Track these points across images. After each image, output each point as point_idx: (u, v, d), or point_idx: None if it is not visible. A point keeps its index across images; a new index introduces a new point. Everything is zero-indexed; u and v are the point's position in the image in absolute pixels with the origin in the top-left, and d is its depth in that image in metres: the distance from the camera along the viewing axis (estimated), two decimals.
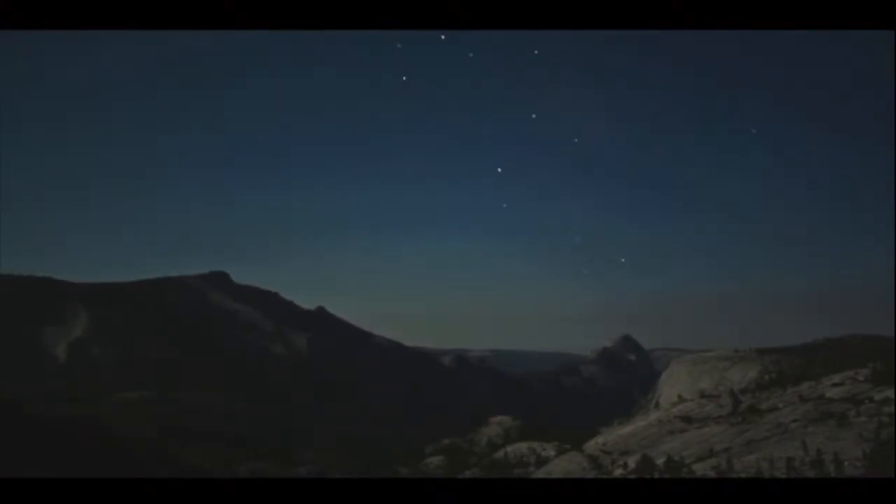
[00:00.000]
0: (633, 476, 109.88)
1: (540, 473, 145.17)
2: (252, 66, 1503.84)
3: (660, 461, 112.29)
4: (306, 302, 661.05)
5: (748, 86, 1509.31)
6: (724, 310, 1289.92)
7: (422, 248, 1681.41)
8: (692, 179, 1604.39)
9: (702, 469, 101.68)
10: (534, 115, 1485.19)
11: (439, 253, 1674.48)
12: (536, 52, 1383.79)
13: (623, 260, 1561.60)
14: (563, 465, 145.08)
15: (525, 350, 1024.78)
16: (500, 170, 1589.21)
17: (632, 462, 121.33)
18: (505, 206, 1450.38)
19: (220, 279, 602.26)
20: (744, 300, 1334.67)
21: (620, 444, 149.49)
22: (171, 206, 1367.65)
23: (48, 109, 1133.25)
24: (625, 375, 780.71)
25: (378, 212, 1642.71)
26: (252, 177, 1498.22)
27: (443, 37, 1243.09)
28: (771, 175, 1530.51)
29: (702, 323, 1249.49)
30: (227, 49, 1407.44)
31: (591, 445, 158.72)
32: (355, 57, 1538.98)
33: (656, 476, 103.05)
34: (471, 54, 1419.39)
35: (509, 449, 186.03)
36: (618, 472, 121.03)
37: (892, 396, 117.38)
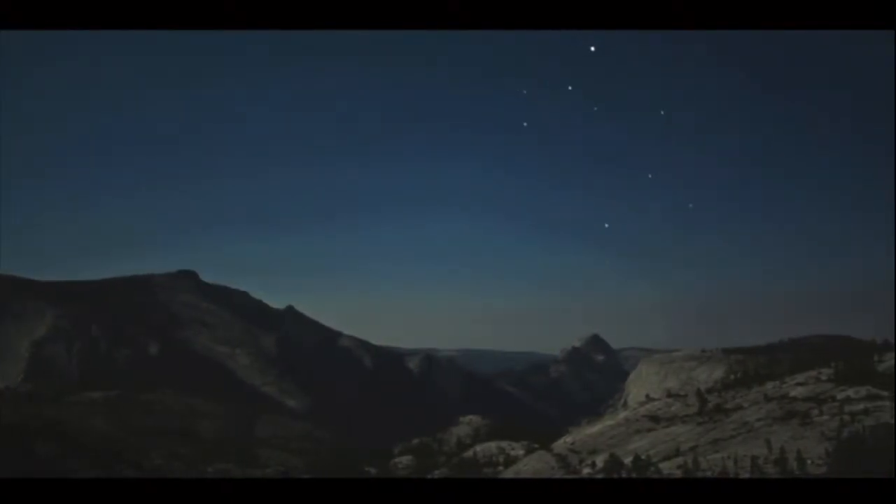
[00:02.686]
0: (600, 475, 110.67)
1: (509, 472, 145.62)
2: (249, 64, 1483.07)
3: (627, 460, 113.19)
4: (276, 301, 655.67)
5: (744, 86, 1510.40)
6: (694, 310, 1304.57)
7: (393, 249, 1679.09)
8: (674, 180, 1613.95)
9: (668, 468, 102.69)
10: (650, 175, 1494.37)
11: (411, 253, 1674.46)
12: (662, 112, 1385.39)
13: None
14: (531, 464, 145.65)
15: (494, 350, 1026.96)
16: (606, 225, 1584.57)
17: (599, 461, 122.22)
18: (607, 262, 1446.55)
19: (188, 278, 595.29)
20: (714, 301, 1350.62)
21: (588, 444, 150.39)
22: (141, 203, 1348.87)
23: (13, 104, 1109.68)
24: (593, 375, 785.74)
25: (352, 213, 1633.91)
26: (226, 174, 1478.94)
27: (570, 87, 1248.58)
28: (752, 177, 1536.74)
29: (671, 323, 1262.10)
30: (224, 46, 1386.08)
31: (560, 445, 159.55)
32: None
33: (623, 475, 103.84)
34: (595, 108, 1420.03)
35: (478, 448, 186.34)
36: (586, 471, 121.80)
37: (854, 396, 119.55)
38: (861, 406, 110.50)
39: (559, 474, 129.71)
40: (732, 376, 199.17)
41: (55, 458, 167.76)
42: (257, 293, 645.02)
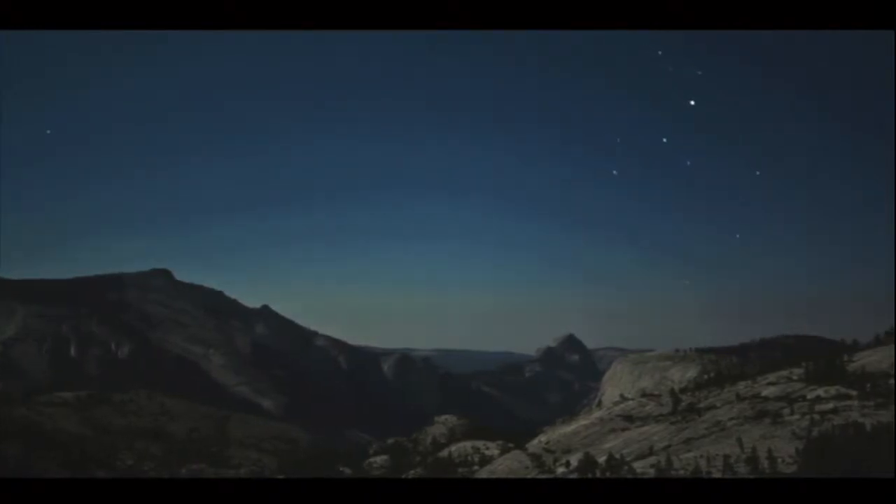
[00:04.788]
0: (574, 474, 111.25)
1: (483, 472, 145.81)
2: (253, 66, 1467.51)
3: (601, 459, 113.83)
4: (251, 300, 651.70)
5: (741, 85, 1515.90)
6: (666, 310, 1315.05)
7: (369, 248, 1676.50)
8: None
9: (642, 467, 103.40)
10: (738, 235, 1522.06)
11: (386, 253, 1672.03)
12: (758, 173, 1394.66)
13: None
14: (506, 463, 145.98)
15: (469, 350, 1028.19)
16: (688, 282, 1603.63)
17: (574, 460, 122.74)
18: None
19: (162, 277, 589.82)
20: (686, 301, 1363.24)
21: (563, 443, 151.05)
22: (112, 201, 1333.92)
23: None
24: (568, 375, 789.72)
25: (329, 213, 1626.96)
26: (199, 172, 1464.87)
27: (664, 139, 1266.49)
28: (736, 177, 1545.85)
29: (644, 323, 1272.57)
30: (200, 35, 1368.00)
31: (535, 444, 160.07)
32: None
33: (598, 474, 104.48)
34: (688, 162, 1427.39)
35: (454, 448, 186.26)
36: (560, 471, 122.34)
37: (824, 395, 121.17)
38: (830, 405, 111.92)
39: (533, 473, 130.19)
40: (705, 376, 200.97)
41: (25, 458, 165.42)
42: (232, 292, 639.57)
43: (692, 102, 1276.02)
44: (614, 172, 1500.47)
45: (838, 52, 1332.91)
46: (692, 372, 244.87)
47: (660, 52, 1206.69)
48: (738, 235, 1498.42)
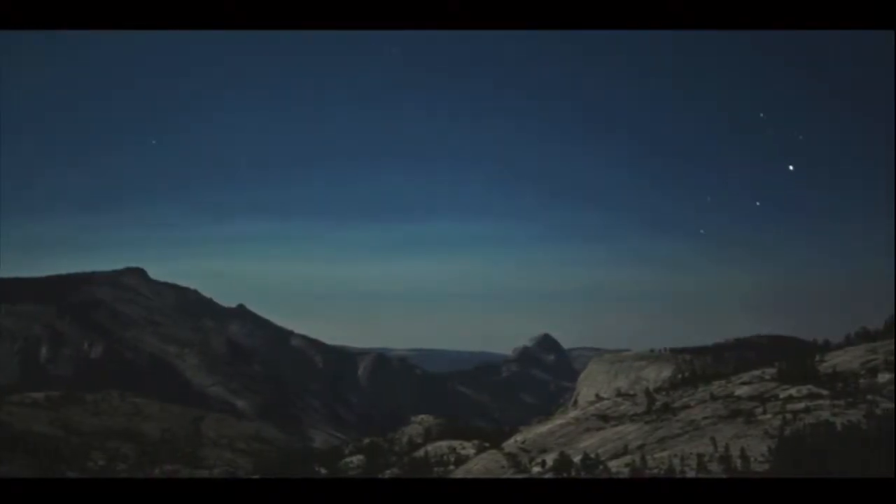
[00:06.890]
0: (550, 474, 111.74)
1: (459, 472, 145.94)
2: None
3: (576, 458, 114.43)
4: (226, 299, 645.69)
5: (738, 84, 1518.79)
6: (643, 309, 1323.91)
7: (348, 247, 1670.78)
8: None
9: (617, 466, 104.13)
10: (702, 231, 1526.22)
11: (365, 251, 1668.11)
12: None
13: None
14: (482, 463, 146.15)
15: (446, 349, 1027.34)
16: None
17: (549, 460, 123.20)
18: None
19: (135, 275, 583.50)
20: (664, 300, 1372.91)
21: (539, 443, 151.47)
22: (88, 199, 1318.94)
23: None
24: (544, 375, 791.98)
25: (311, 210, 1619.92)
26: (178, 170, 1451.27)
27: (758, 203, 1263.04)
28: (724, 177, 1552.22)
29: (621, 322, 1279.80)
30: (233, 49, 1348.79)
31: (511, 444, 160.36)
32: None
33: (573, 473, 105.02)
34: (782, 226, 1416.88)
35: (429, 448, 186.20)
36: (536, 470, 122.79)
37: (796, 395, 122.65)
38: (802, 405, 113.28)
39: (509, 473, 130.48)
40: (680, 376, 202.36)
41: None
42: (207, 291, 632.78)
43: (791, 167, 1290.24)
44: (702, 232, 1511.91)
45: (838, 52, 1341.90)
46: (667, 372, 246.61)
47: (762, 115, 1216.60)
48: (702, 231, 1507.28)
